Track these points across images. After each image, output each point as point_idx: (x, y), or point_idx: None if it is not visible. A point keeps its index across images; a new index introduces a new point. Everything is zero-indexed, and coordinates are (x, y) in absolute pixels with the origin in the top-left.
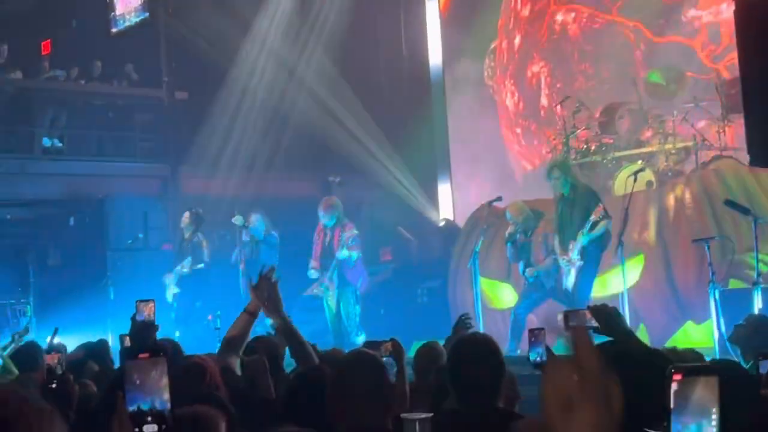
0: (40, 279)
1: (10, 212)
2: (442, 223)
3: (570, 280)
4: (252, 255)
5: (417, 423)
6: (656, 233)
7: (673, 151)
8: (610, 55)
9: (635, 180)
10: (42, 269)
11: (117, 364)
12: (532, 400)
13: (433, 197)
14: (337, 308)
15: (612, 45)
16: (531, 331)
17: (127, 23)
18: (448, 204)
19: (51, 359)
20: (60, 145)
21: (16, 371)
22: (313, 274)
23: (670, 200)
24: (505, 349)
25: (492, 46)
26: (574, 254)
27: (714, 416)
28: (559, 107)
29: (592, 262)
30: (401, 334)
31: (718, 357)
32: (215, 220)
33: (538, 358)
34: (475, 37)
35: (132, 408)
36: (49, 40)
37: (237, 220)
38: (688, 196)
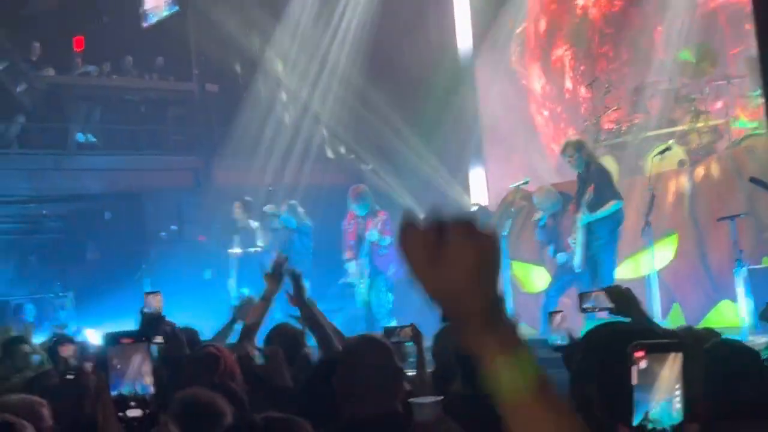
0: (78, 273)
1: (47, 208)
2: (473, 208)
3: (576, 260)
4: (286, 244)
5: (426, 406)
6: (689, 212)
7: (705, 130)
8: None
9: (661, 159)
10: (80, 263)
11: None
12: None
13: (465, 182)
14: (368, 295)
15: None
16: (550, 314)
17: (158, 17)
18: (481, 189)
19: (66, 351)
20: (94, 140)
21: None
22: (350, 266)
23: (703, 179)
24: (538, 331)
25: (518, 30)
26: (579, 235)
27: (677, 392)
28: (584, 89)
29: (604, 241)
30: (433, 322)
31: (745, 336)
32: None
33: (558, 341)
34: (505, 21)
35: (115, 393)
36: (81, 37)
37: (268, 209)
38: (720, 174)
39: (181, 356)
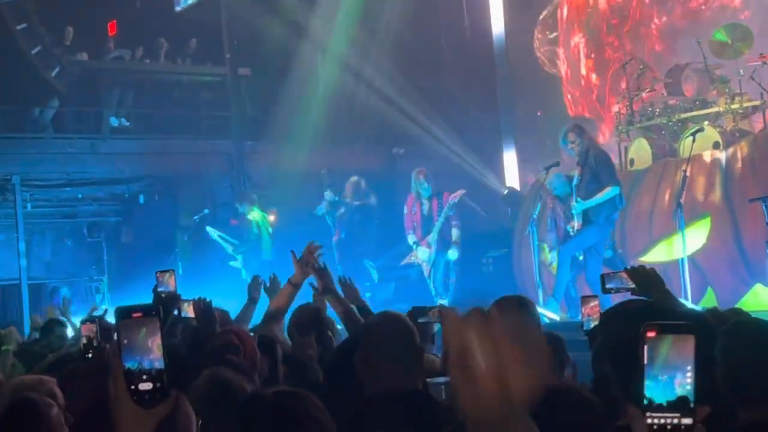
0: (113, 256)
1: (82, 191)
2: (505, 192)
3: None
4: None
5: (443, 386)
6: (723, 194)
7: (740, 111)
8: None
9: (693, 141)
10: (115, 246)
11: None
12: (580, 364)
13: (498, 167)
14: (429, 272)
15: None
16: (583, 298)
17: (190, 1)
18: (515, 173)
19: (87, 329)
20: (127, 124)
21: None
22: (420, 250)
23: (737, 160)
24: (566, 315)
25: (541, 16)
26: (575, 222)
27: (689, 375)
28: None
29: (597, 224)
30: (470, 301)
31: None
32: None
33: (592, 324)
34: (537, 7)
35: (126, 366)
36: (114, 21)
37: (328, 195)
38: (756, 155)
39: (211, 334)
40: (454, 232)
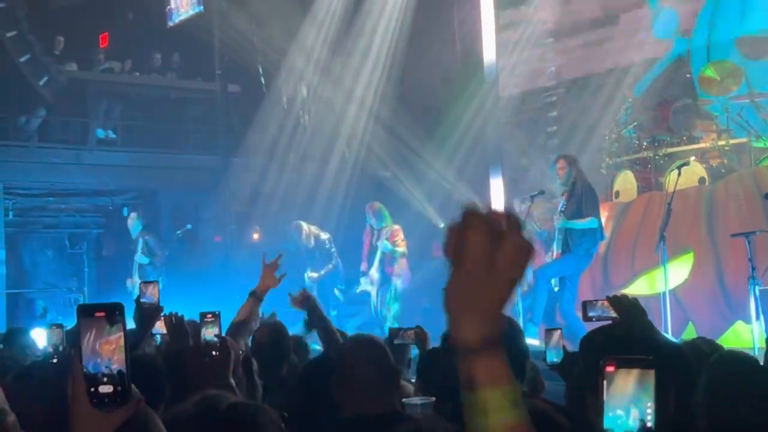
0: (94, 268)
1: (65, 202)
2: None
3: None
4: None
5: (420, 407)
6: (707, 230)
7: (727, 148)
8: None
9: (679, 175)
10: (96, 258)
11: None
12: (550, 392)
13: (485, 192)
14: (377, 301)
15: None
16: (547, 331)
17: (182, 16)
18: (501, 200)
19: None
20: (114, 136)
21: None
22: (363, 278)
23: (722, 197)
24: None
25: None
26: (556, 243)
27: (649, 410)
28: None
29: (576, 255)
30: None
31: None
32: (264, 213)
33: (555, 359)
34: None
35: (87, 367)
36: (106, 33)
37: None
38: (740, 193)
39: (183, 348)
40: (397, 266)
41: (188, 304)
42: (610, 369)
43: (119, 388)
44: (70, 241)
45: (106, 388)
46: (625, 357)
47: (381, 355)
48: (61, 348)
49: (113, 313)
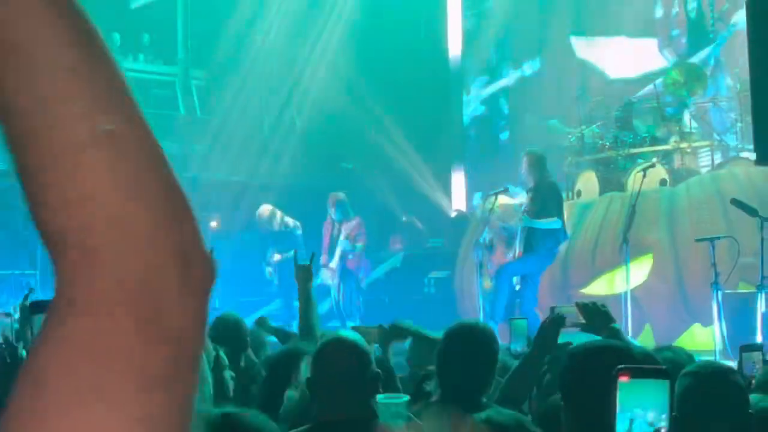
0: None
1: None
2: (453, 214)
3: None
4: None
5: (393, 406)
6: (667, 232)
7: (689, 150)
8: None
9: (644, 176)
10: None
11: None
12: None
13: (447, 187)
14: (338, 296)
15: None
16: (512, 321)
17: None
18: (462, 194)
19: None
20: None
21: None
22: (322, 271)
23: (683, 200)
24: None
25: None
26: (518, 241)
27: (663, 418)
28: None
29: (539, 255)
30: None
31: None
32: (223, 202)
33: (519, 349)
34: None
35: None
36: None
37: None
38: (701, 196)
39: None
40: (356, 260)
41: None
42: (623, 379)
43: None
44: (23, 222)
45: None
46: (638, 367)
47: (362, 358)
48: (11, 339)
49: None
